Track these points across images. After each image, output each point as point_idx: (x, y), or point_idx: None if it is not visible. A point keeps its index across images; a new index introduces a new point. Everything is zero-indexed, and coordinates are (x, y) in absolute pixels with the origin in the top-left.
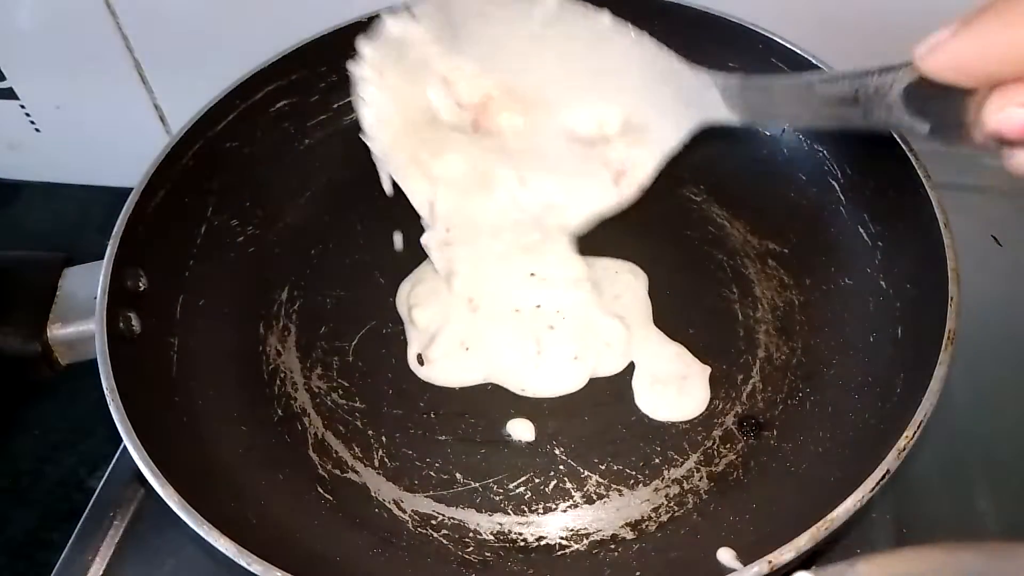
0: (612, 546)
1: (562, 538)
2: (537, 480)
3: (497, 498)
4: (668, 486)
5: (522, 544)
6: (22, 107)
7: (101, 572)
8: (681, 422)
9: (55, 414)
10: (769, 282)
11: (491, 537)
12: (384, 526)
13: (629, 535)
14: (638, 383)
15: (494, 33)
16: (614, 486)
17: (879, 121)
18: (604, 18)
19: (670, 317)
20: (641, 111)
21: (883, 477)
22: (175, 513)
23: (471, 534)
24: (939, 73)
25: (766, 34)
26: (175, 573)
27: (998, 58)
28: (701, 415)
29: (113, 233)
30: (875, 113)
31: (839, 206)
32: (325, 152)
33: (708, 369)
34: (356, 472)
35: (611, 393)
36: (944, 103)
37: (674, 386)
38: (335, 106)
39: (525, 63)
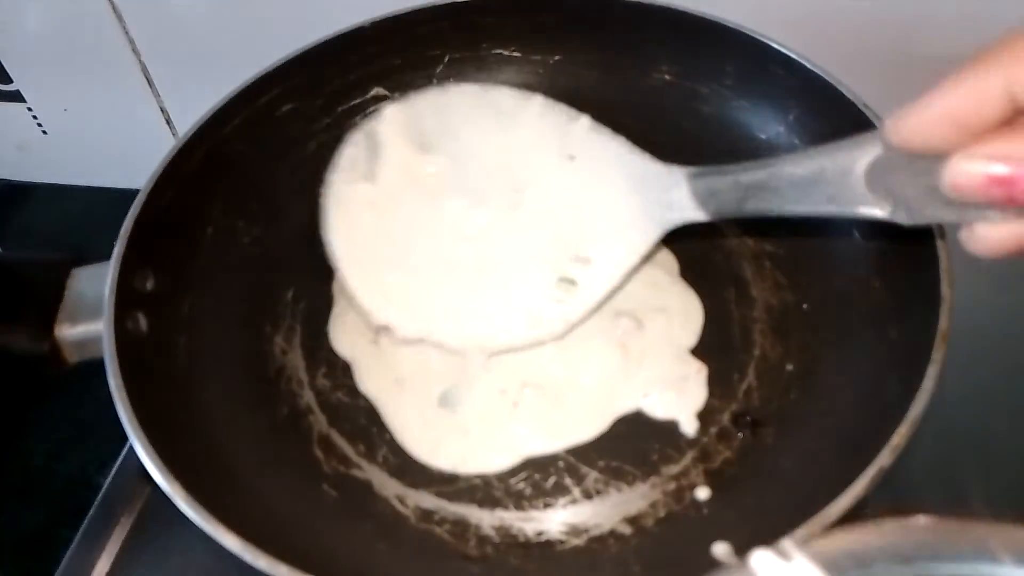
0: (610, 541)
1: (562, 533)
2: (537, 476)
3: (498, 494)
4: (665, 482)
5: (522, 539)
6: (29, 109)
7: (108, 568)
8: (678, 420)
9: (63, 412)
10: (765, 282)
11: (492, 532)
12: (387, 521)
13: (627, 530)
14: None
15: (473, 138)
16: (612, 482)
17: (842, 207)
18: (584, 120)
19: None
20: (608, 221)
21: (877, 474)
22: (181, 510)
23: (472, 529)
24: (906, 141)
25: (764, 40)
26: (181, 569)
27: (961, 118)
28: (698, 413)
29: (121, 234)
30: (838, 198)
31: None
32: (330, 154)
33: (705, 368)
34: (360, 468)
35: None
36: (909, 173)
37: (672, 385)
38: (339, 110)
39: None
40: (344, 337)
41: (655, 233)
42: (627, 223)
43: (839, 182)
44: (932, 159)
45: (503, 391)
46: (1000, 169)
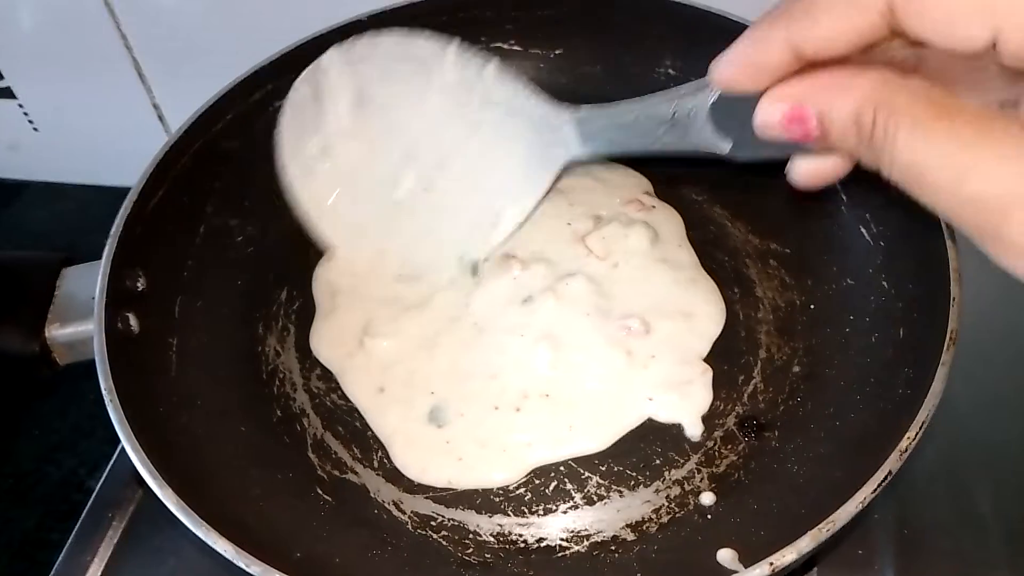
0: (613, 547)
1: (562, 539)
2: (537, 481)
3: (497, 499)
4: (669, 487)
5: (522, 545)
6: (21, 107)
7: (100, 572)
8: (682, 423)
9: (54, 414)
10: (770, 282)
11: (491, 538)
12: (383, 527)
13: (630, 536)
14: None
15: (398, 88)
16: (614, 487)
17: (692, 143)
18: (492, 66)
19: None
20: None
21: (885, 478)
22: (173, 514)
23: (471, 535)
24: (724, 83)
25: None
26: (174, 573)
27: (757, 64)
28: (702, 416)
29: (112, 233)
30: (689, 135)
31: (840, 206)
32: None
33: (710, 370)
34: (355, 473)
35: None
36: (739, 114)
37: (676, 387)
38: None
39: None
40: (325, 345)
41: (551, 171)
42: (527, 163)
43: (690, 122)
44: (751, 103)
45: (496, 407)
46: (783, 108)
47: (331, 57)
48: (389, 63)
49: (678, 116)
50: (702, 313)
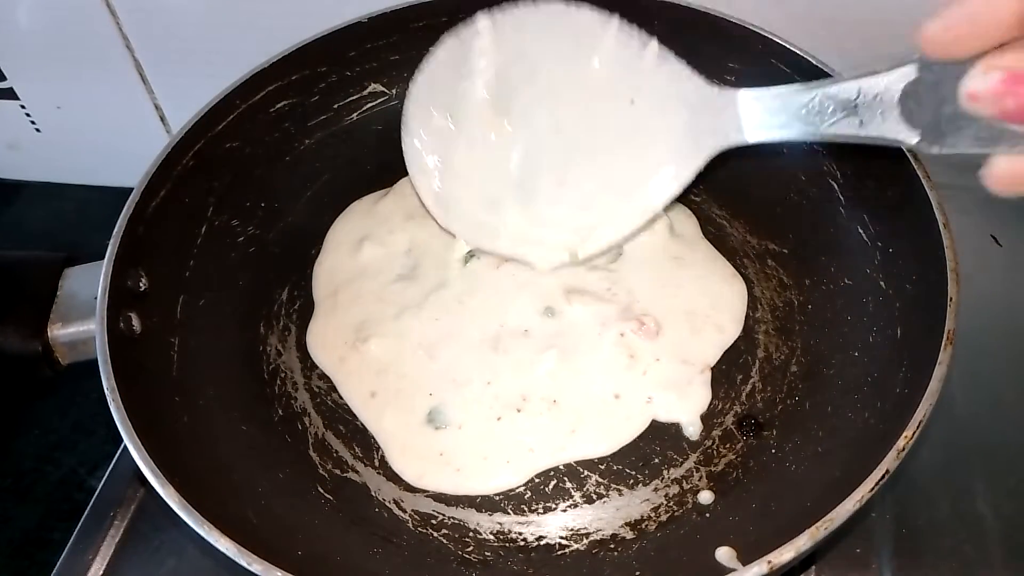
0: (612, 546)
1: (562, 538)
2: (537, 480)
3: (497, 497)
4: (668, 486)
5: (522, 543)
6: (22, 107)
7: (102, 571)
8: (681, 422)
9: (56, 414)
10: (768, 282)
11: (491, 536)
12: (384, 525)
13: (629, 535)
14: None
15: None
16: (614, 486)
17: (872, 132)
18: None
19: None
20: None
21: (882, 477)
22: (175, 513)
23: (471, 534)
24: (938, 47)
25: (765, 35)
26: (175, 572)
27: (997, 18)
28: (701, 415)
29: (114, 233)
30: (871, 123)
31: (839, 206)
32: (325, 152)
33: (709, 370)
34: (356, 472)
35: None
36: (936, 100)
37: (674, 386)
38: (335, 106)
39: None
40: (320, 348)
41: (702, 158)
42: (678, 149)
43: (875, 107)
44: (955, 83)
45: (499, 418)
46: (999, 76)
47: (483, 22)
48: (545, 34)
49: (862, 100)
50: (712, 318)
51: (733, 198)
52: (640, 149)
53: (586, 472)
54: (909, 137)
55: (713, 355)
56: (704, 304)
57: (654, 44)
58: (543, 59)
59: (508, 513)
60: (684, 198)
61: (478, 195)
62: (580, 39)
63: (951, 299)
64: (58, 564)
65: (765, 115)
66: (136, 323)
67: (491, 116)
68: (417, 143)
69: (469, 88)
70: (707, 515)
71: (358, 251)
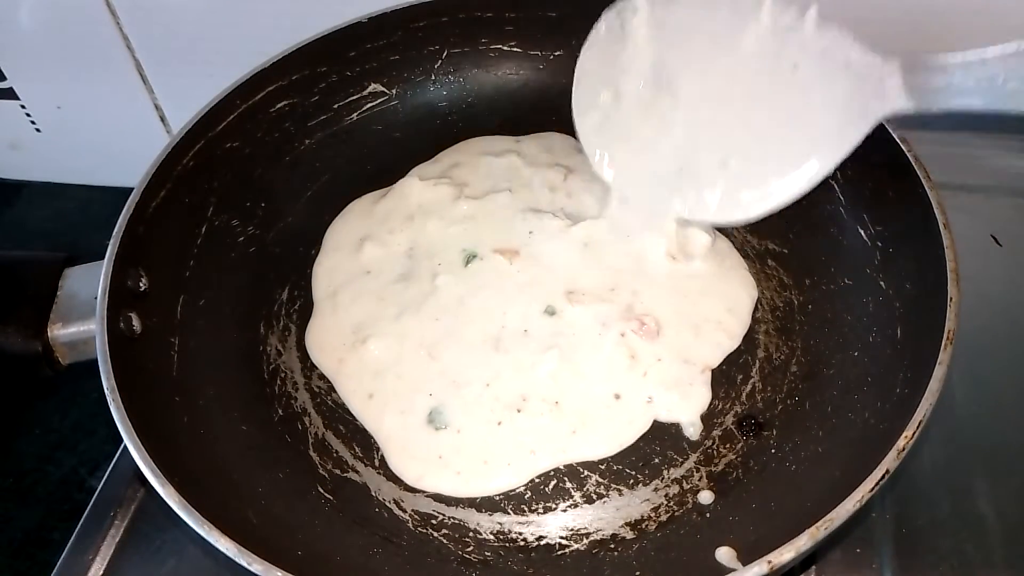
0: (612, 546)
1: (562, 538)
2: (537, 480)
3: (497, 497)
4: (668, 486)
5: (522, 543)
6: (23, 107)
7: (102, 571)
8: (681, 422)
9: (56, 414)
10: (769, 282)
11: (491, 536)
12: (384, 525)
13: (629, 535)
14: None
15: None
16: (614, 486)
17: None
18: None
19: None
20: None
21: (883, 477)
22: (175, 513)
23: (471, 534)
24: None
25: None
26: (176, 572)
27: None
28: (701, 415)
29: (114, 233)
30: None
31: (839, 206)
32: (325, 152)
33: (709, 370)
34: (356, 472)
35: None
36: None
37: (675, 387)
38: (335, 106)
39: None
40: (318, 349)
41: (864, 126)
42: (840, 117)
43: None
44: None
45: (500, 423)
46: None
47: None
48: (701, 6)
49: None
50: (718, 324)
51: None
52: (805, 116)
53: (586, 472)
54: None
55: (713, 355)
56: (707, 304)
57: (813, 11)
58: (701, 31)
59: (508, 513)
60: None
61: (645, 174)
62: (737, 7)
63: (951, 299)
64: (58, 564)
65: (940, 82)
66: (136, 323)
67: (651, 93)
68: (588, 124)
69: (628, 63)
70: (707, 515)
71: (358, 251)
